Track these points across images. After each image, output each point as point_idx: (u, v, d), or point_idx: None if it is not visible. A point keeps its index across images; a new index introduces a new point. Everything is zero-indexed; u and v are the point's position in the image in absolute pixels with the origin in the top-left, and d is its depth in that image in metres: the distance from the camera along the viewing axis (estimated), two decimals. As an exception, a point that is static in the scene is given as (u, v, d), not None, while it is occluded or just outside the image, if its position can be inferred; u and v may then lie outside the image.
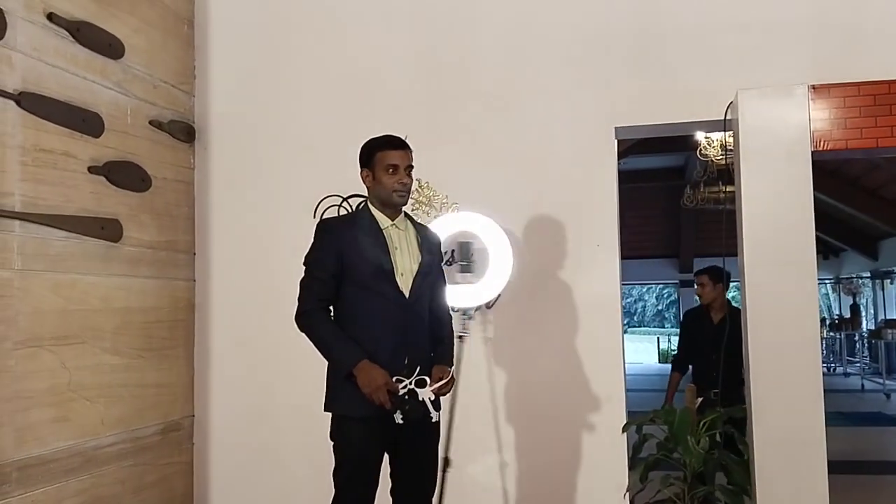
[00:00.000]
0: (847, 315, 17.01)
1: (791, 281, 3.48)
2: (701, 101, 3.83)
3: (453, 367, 2.99)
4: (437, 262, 3.12)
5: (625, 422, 3.88)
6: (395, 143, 2.95)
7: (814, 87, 3.52)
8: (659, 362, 19.76)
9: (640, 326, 33.96)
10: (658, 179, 15.75)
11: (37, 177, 3.27)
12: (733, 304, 5.04)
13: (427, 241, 3.06)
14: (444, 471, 3.45)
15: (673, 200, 15.04)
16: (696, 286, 5.29)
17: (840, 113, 3.50)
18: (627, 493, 3.83)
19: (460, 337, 3.64)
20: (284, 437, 4.20)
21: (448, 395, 2.96)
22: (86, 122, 3.53)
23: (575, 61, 4.04)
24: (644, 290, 33.34)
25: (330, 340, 2.86)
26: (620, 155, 4.13)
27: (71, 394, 3.40)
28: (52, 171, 3.35)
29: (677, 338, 6.16)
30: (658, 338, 22.66)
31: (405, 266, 2.95)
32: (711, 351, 4.90)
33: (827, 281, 18.63)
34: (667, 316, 32.43)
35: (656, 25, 3.95)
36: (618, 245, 3.99)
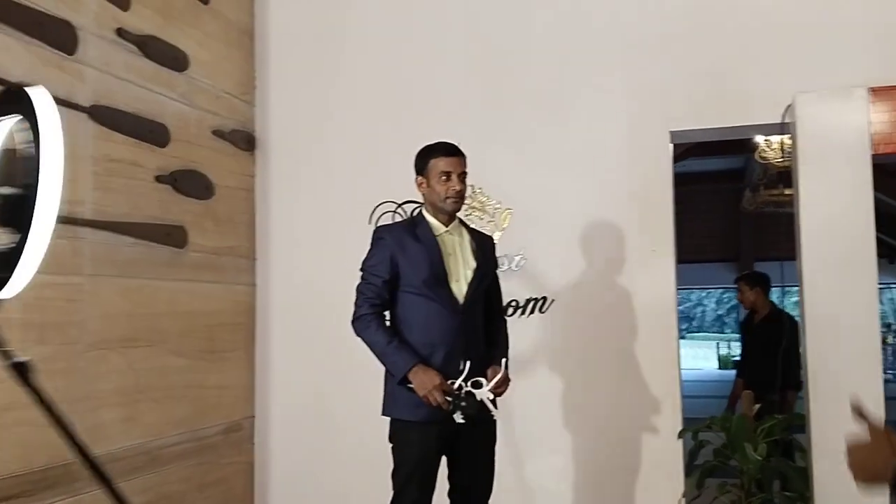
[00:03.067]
0: (915, 320, 16.54)
1: (851, 286, 3.43)
2: (758, 103, 3.79)
3: (508, 368, 3.01)
4: (491, 267, 3.16)
5: (681, 428, 3.87)
6: (448, 150, 2.99)
7: (873, 89, 3.46)
8: (718, 368, 19.44)
9: (699, 332, 33.42)
10: (718, 182, 15.52)
11: (107, 186, 3.41)
12: (778, 306, 5.19)
13: (482, 247, 3.10)
14: None
15: (733, 203, 14.80)
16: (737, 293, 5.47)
17: (901, 115, 3.44)
18: (683, 499, 3.82)
19: None
20: (343, 439, 4.28)
21: (505, 394, 2.98)
22: (153, 132, 3.67)
23: (630, 65, 4.04)
24: (703, 294, 32.78)
25: (384, 345, 2.91)
26: (679, 157, 4.12)
27: (137, 395, 3.53)
28: (121, 180, 3.49)
29: (739, 343, 6.26)
30: (717, 343, 22.29)
31: (459, 272, 3.00)
32: (754, 352, 5.06)
33: (892, 285, 18.11)
34: (727, 321, 31.81)
35: (713, 27, 3.93)
36: (673, 250, 3.97)
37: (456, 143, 3.07)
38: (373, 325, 2.95)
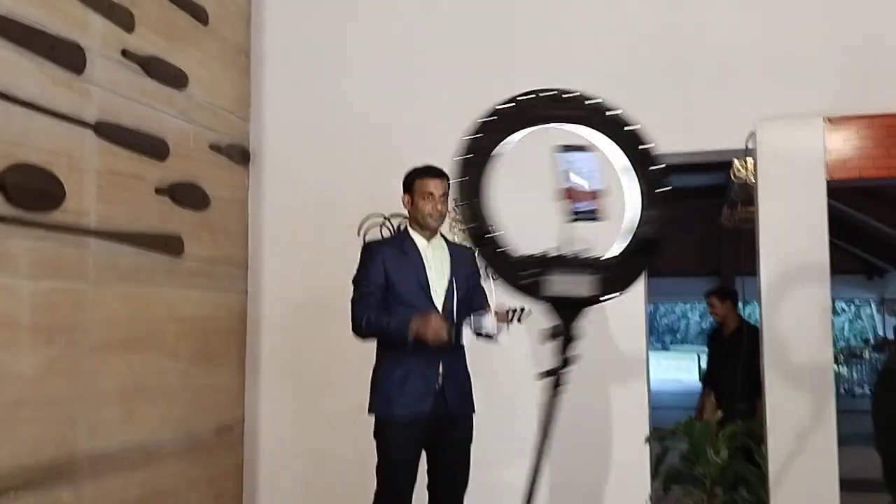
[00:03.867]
0: (891, 336, 16.85)
1: (805, 302, 3.68)
2: (724, 130, 4.04)
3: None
4: (471, 272, 3.40)
5: (648, 433, 4.10)
6: (432, 173, 3.27)
7: (829, 119, 3.72)
8: (700, 380, 19.71)
9: (683, 343, 33.76)
10: (700, 197, 15.75)
11: (110, 197, 3.62)
12: (745, 318, 5.47)
13: (460, 259, 3.36)
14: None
15: (715, 219, 15.05)
16: (708, 306, 5.77)
17: (854, 144, 3.71)
18: (649, 501, 4.05)
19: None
20: (328, 440, 4.49)
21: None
22: (153, 147, 3.89)
23: (603, 90, 4.27)
24: (688, 307, 33.13)
25: (384, 321, 3.17)
26: None
27: (136, 395, 3.73)
28: (123, 192, 3.70)
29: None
30: (699, 355, 22.56)
31: (437, 282, 3.29)
32: (725, 363, 5.34)
33: (871, 301, 18.45)
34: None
35: (682, 57, 4.19)
36: (643, 265, 4.21)
37: (440, 162, 3.31)
38: (368, 314, 3.19)
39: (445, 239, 3.41)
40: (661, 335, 36.07)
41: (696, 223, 16.35)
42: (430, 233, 3.31)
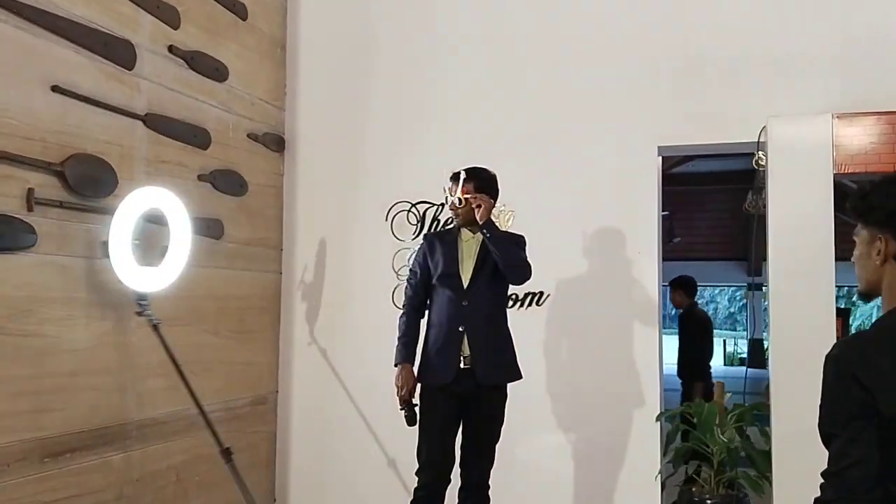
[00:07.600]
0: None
1: (811, 289, 3.85)
2: (737, 124, 4.21)
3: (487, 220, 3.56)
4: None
5: (658, 412, 4.32)
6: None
7: (838, 115, 3.87)
8: (724, 365, 19.80)
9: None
10: (729, 182, 15.78)
11: (157, 184, 3.87)
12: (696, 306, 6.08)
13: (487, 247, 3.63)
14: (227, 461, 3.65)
15: (742, 203, 15.07)
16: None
17: (861, 139, 3.85)
18: (659, 476, 4.26)
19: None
20: (355, 412, 4.77)
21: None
22: (196, 136, 4.15)
23: (624, 87, 4.48)
24: (717, 291, 33.02)
25: (398, 338, 3.70)
26: (689, 158, 4.57)
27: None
28: (169, 179, 3.96)
29: (744, 340, 7.15)
30: (724, 340, 22.59)
31: (466, 266, 3.68)
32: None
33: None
34: (739, 319, 32.12)
35: (698, 56, 4.36)
36: (657, 252, 4.42)
37: (465, 151, 3.65)
38: (404, 317, 3.76)
39: None
40: (691, 319, 36.05)
41: (724, 207, 16.45)
42: (472, 226, 3.66)
